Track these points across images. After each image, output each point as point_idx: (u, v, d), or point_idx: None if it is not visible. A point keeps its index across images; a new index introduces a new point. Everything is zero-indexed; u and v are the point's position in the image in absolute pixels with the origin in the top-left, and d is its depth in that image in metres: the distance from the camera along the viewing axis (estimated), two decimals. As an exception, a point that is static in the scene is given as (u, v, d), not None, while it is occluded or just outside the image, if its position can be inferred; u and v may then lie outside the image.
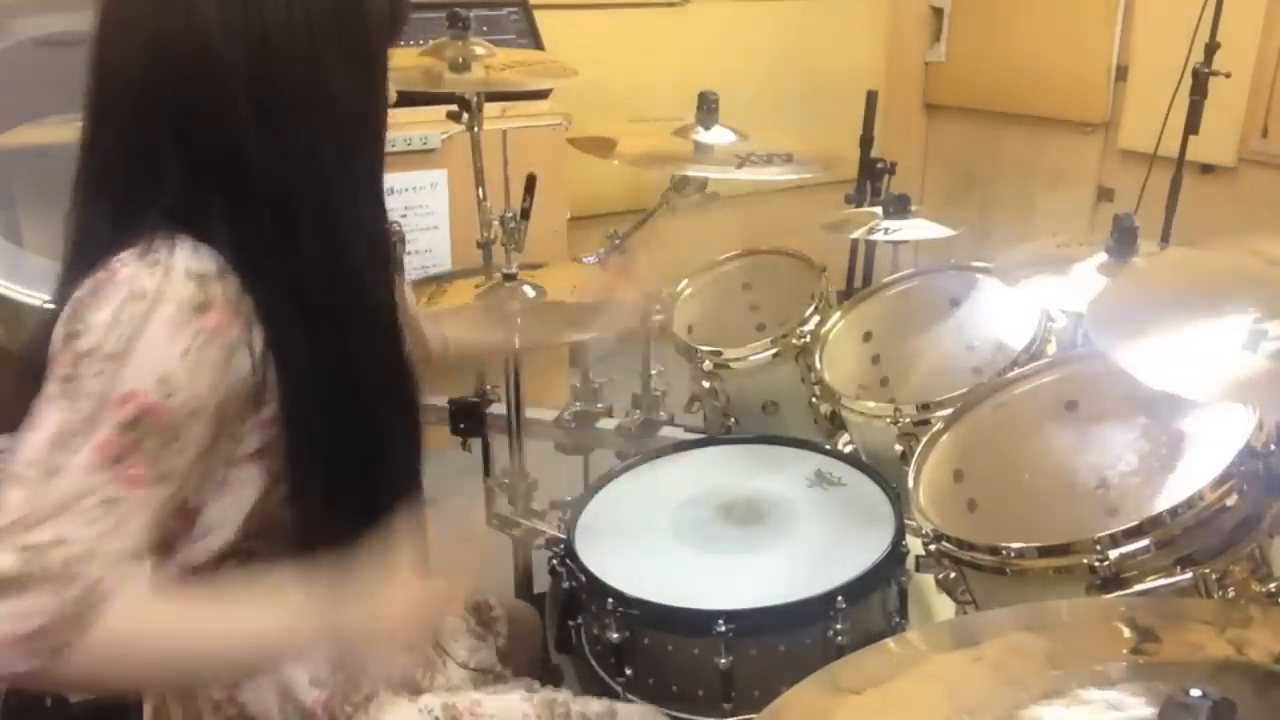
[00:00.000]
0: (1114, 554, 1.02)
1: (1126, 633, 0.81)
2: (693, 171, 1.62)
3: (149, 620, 0.82)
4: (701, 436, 1.73)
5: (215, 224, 0.85)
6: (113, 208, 0.86)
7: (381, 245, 1.00)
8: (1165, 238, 2.56)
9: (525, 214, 1.67)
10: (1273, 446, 1.04)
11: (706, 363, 1.79)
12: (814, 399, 1.72)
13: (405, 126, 2.63)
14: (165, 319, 0.81)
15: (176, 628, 0.84)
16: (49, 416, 0.79)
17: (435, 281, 2.13)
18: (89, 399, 0.79)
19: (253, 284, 0.86)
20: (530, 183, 1.70)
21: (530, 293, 1.69)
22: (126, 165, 0.87)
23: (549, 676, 1.63)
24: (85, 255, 0.85)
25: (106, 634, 0.77)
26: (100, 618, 0.77)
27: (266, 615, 0.88)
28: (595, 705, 1.17)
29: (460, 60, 1.72)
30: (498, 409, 1.89)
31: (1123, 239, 1.42)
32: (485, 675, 1.21)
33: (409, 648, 1.04)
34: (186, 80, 0.84)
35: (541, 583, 1.70)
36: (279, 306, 0.87)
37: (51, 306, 0.87)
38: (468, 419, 1.91)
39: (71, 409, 0.79)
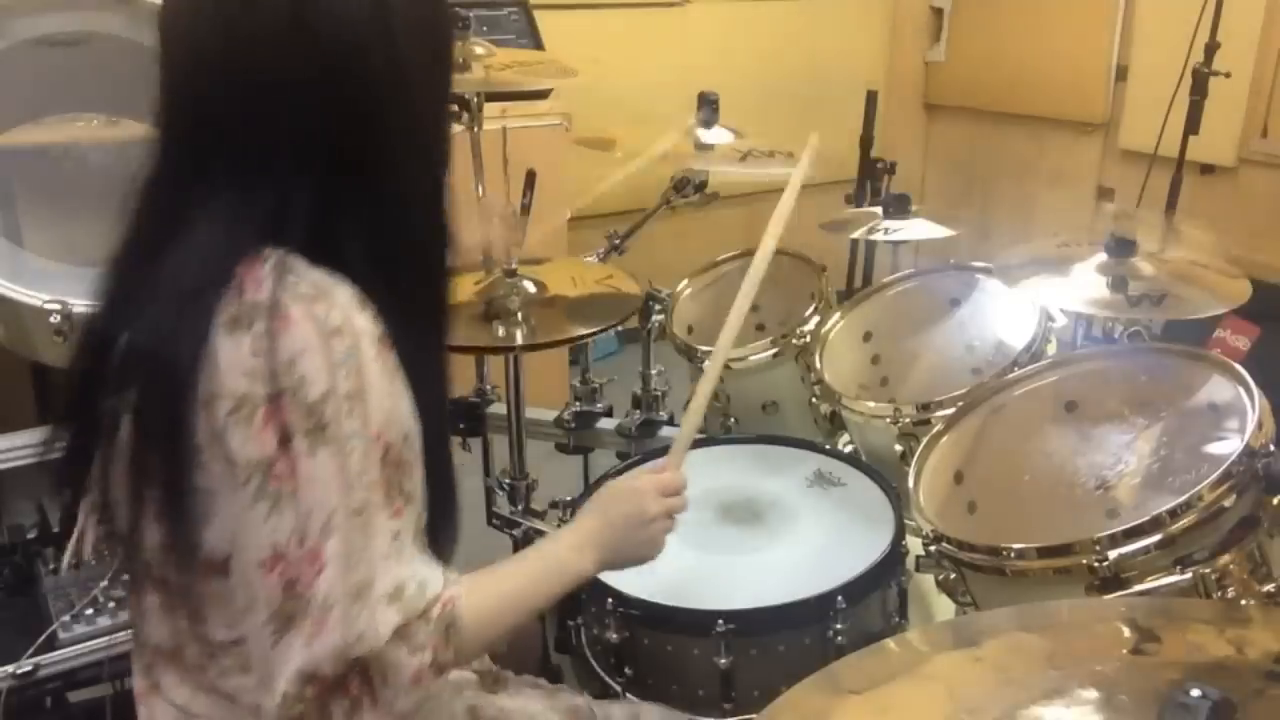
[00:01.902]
0: (1113, 554, 1.02)
1: (1126, 633, 0.81)
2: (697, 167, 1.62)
3: (484, 604, 0.91)
4: (701, 436, 1.73)
5: (347, 247, 0.85)
6: (219, 216, 0.84)
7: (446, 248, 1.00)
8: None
9: (525, 210, 1.67)
10: (1272, 447, 1.05)
11: (706, 363, 1.79)
12: (814, 399, 1.72)
13: (405, 126, 2.63)
14: (373, 355, 0.82)
15: (503, 595, 0.95)
16: (323, 468, 0.80)
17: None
18: (356, 439, 0.81)
19: (381, 310, 0.86)
20: (530, 178, 1.70)
21: (531, 288, 1.69)
22: (234, 177, 0.85)
23: (547, 677, 1.63)
24: (180, 261, 0.83)
25: (468, 635, 0.88)
26: (461, 625, 0.87)
27: (550, 553, 1.01)
28: (617, 711, 1.17)
29: (460, 60, 1.72)
30: (498, 409, 1.90)
31: (1123, 239, 1.42)
32: (485, 677, 1.21)
33: (667, 520, 1.07)
34: (319, 93, 0.84)
35: (541, 583, 1.70)
36: (404, 330, 0.88)
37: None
38: (468, 419, 1.91)
39: (341, 453, 0.80)
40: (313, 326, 0.80)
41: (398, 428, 0.85)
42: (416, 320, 0.91)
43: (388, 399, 0.84)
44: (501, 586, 0.96)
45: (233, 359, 0.79)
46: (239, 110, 0.84)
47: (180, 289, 0.82)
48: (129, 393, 0.85)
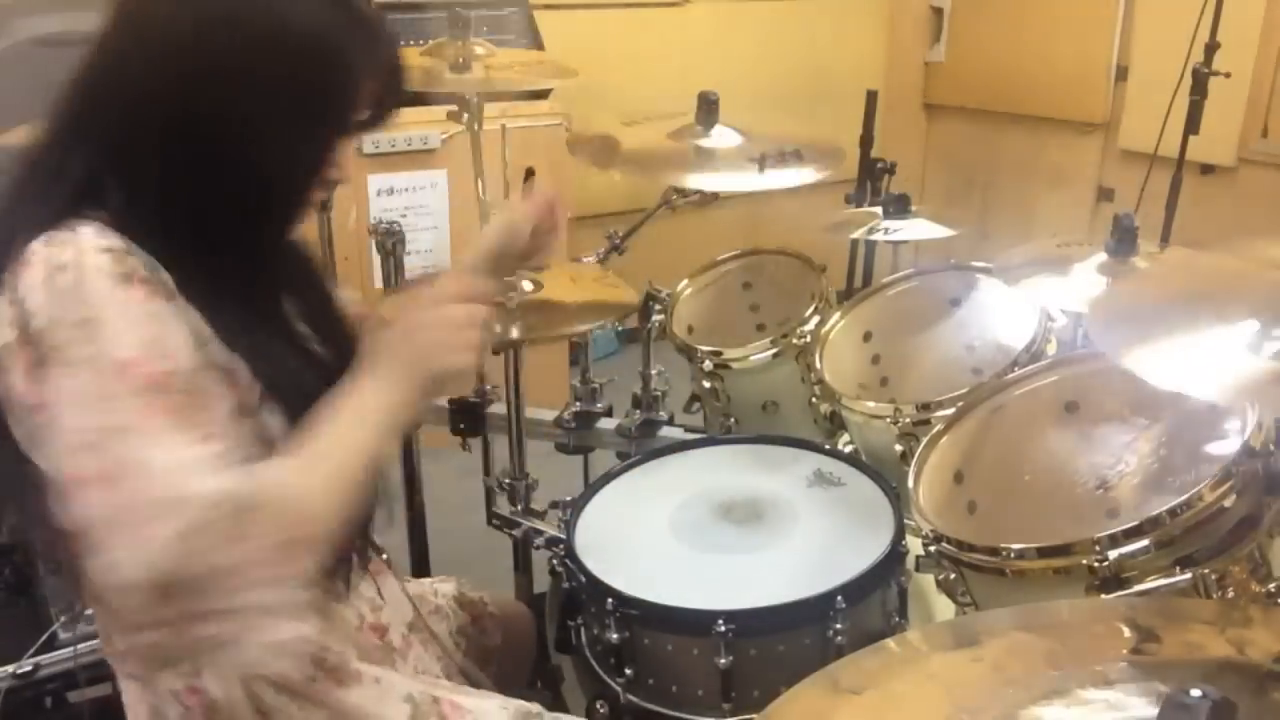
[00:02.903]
0: (1113, 554, 1.02)
1: (1126, 633, 0.81)
2: (702, 177, 1.62)
3: (296, 481, 0.85)
4: (701, 436, 1.73)
5: (116, 207, 0.88)
6: (28, 208, 0.89)
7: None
8: (1165, 238, 2.56)
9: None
10: (1272, 447, 1.04)
11: (706, 363, 1.79)
12: (814, 399, 1.72)
13: (405, 126, 2.63)
14: (108, 287, 0.83)
15: (313, 454, 0.87)
16: (60, 389, 0.80)
17: (434, 276, 2.12)
18: (87, 364, 0.80)
19: (166, 262, 0.88)
20: (529, 175, 1.70)
21: (529, 288, 1.69)
22: (44, 169, 0.90)
23: (547, 677, 1.63)
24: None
25: (284, 512, 0.81)
26: (261, 498, 0.80)
27: (354, 405, 0.91)
28: None
29: (460, 60, 1.71)
30: (498, 409, 1.89)
31: (1123, 239, 1.42)
32: (463, 680, 1.21)
33: (471, 348, 0.97)
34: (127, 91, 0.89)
35: (541, 583, 1.70)
36: (199, 288, 0.90)
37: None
38: (468, 419, 1.91)
39: (75, 374, 0.80)
40: (42, 265, 0.83)
41: (167, 360, 0.84)
42: (232, 280, 0.93)
43: (142, 329, 0.84)
44: (306, 448, 0.88)
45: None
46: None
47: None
48: None
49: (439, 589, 1.36)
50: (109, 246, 0.85)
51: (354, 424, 0.91)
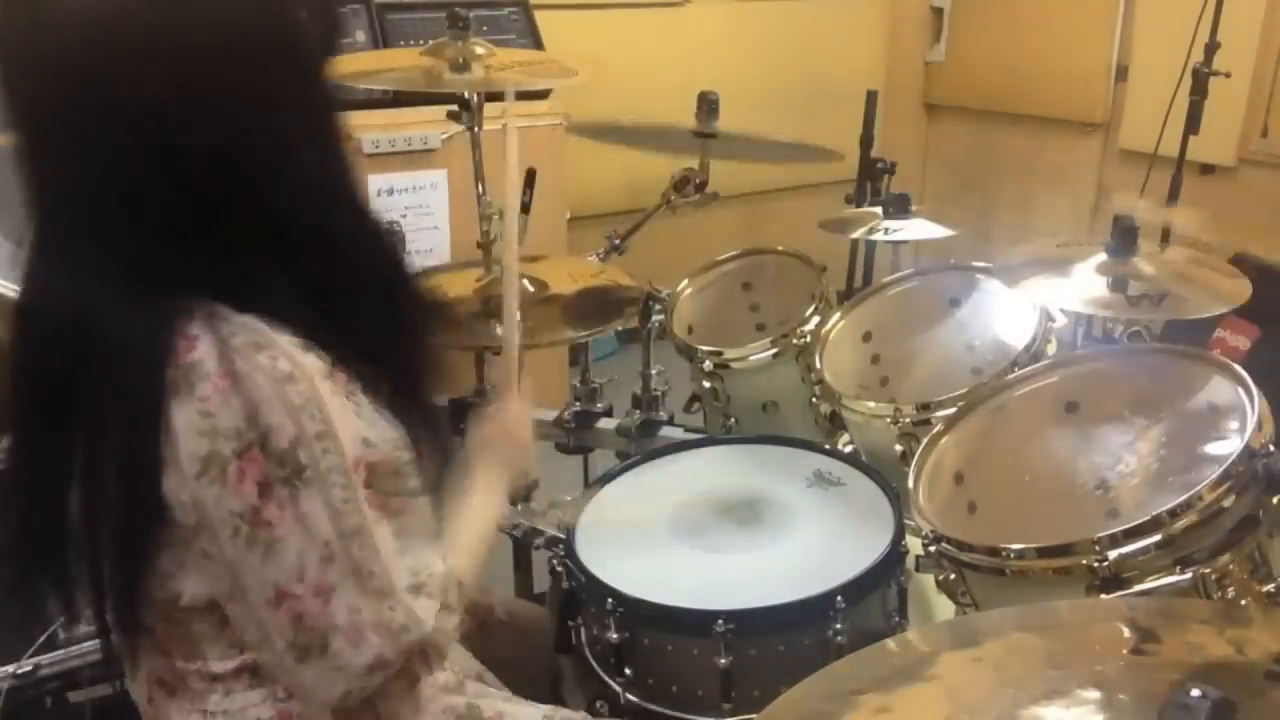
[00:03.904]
0: (1113, 554, 1.02)
1: (1126, 633, 0.81)
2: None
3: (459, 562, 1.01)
4: (701, 436, 1.73)
5: (267, 292, 0.85)
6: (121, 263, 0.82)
7: (385, 245, 0.99)
8: (1165, 238, 2.56)
9: (525, 208, 1.67)
10: (1272, 447, 1.05)
11: (706, 363, 1.79)
12: (814, 399, 1.72)
13: (405, 126, 2.63)
14: (329, 391, 0.84)
15: (472, 553, 1.06)
16: (309, 508, 0.83)
17: (434, 274, 2.12)
18: (336, 474, 0.83)
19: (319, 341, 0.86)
20: (530, 176, 1.70)
21: (530, 287, 1.69)
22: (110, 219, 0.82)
23: (551, 679, 1.63)
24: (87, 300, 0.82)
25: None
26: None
27: (478, 502, 1.12)
28: None
29: (460, 60, 1.71)
30: (498, 409, 1.89)
31: (1123, 239, 1.42)
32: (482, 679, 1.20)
33: (525, 451, 1.23)
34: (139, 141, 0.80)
35: (541, 583, 1.70)
36: (361, 348, 0.90)
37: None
38: (468, 419, 1.90)
39: (324, 491, 0.83)
40: (263, 377, 0.80)
41: (373, 448, 0.88)
42: (368, 333, 0.91)
43: (353, 426, 0.86)
44: (470, 547, 1.07)
45: (185, 423, 0.79)
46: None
47: (121, 337, 0.80)
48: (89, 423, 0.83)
49: (492, 603, 1.38)
50: (303, 343, 0.84)
51: (485, 522, 1.11)
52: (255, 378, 0.79)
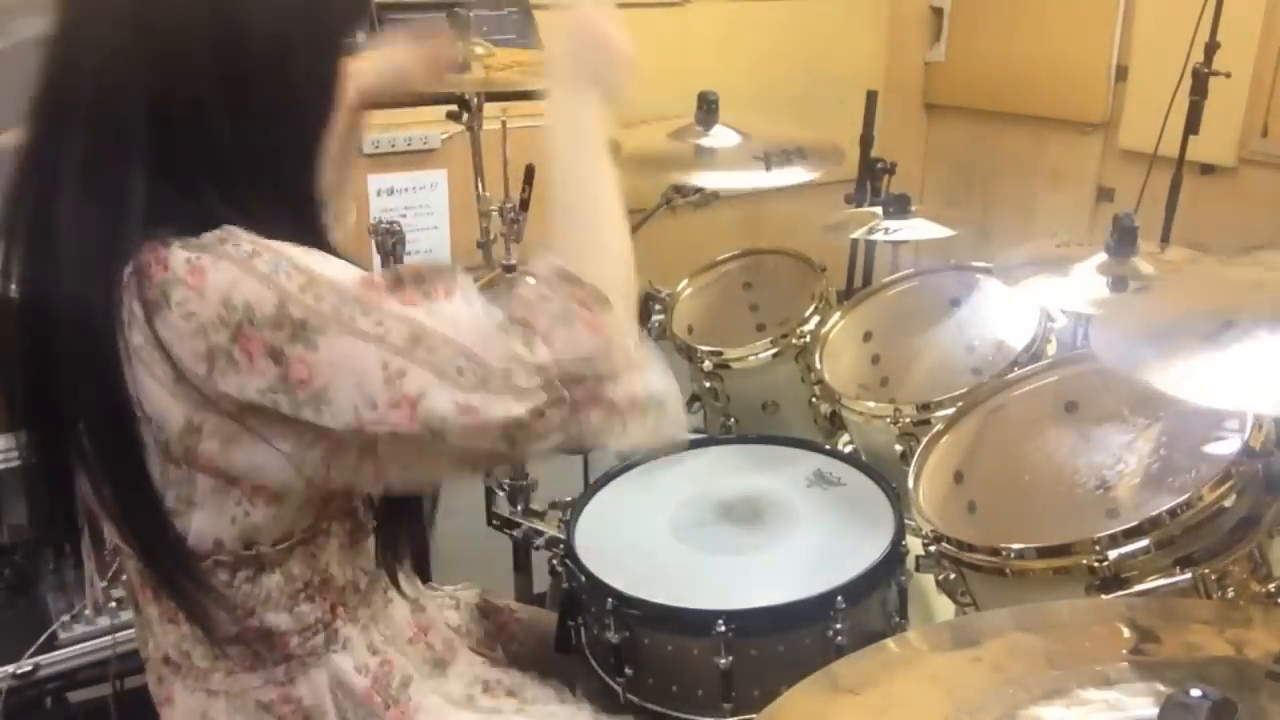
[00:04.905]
0: (1113, 554, 1.02)
1: (1126, 633, 0.81)
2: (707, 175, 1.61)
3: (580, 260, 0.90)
4: (701, 436, 1.73)
5: (216, 206, 0.86)
6: (102, 201, 0.84)
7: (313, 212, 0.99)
8: (1165, 238, 2.56)
9: (525, 205, 1.67)
10: (1272, 447, 1.05)
11: (706, 363, 1.79)
12: (814, 399, 1.72)
13: (405, 126, 2.63)
14: (301, 251, 0.83)
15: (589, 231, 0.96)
16: (334, 350, 0.80)
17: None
18: (346, 306, 0.81)
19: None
20: (529, 173, 1.70)
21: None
22: (99, 157, 0.85)
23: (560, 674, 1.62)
24: (77, 247, 0.84)
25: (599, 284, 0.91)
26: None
27: (572, 143, 0.99)
28: None
29: (460, 60, 1.71)
30: (498, 409, 1.89)
31: (1123, 239, 1.42)
32: (494, 686, 1.20)
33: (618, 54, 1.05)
34: (159, 68, 0.84)
35: (541, 583, 1.70)
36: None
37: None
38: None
39: (343, 328, 0.81)
40: (228, 262, 0.81)
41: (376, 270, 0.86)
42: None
43: (340, 263, 0.85)
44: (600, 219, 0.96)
45: (172, 333, 0.81)
46: (97, 94, 0.84)
47: (78, 290, 0.82)
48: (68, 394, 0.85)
49: (460, 597, 1.34)
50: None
51: (589, 150, 0.97)
52: (220, 265, 0.81)
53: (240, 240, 0.82)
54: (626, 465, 1.53)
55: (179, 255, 0.82)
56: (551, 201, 0.94)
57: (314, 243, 0.87)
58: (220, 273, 0.80)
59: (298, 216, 0.90)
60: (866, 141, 3.15)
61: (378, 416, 0.81)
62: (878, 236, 1.84)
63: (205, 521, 0.88)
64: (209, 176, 0.86)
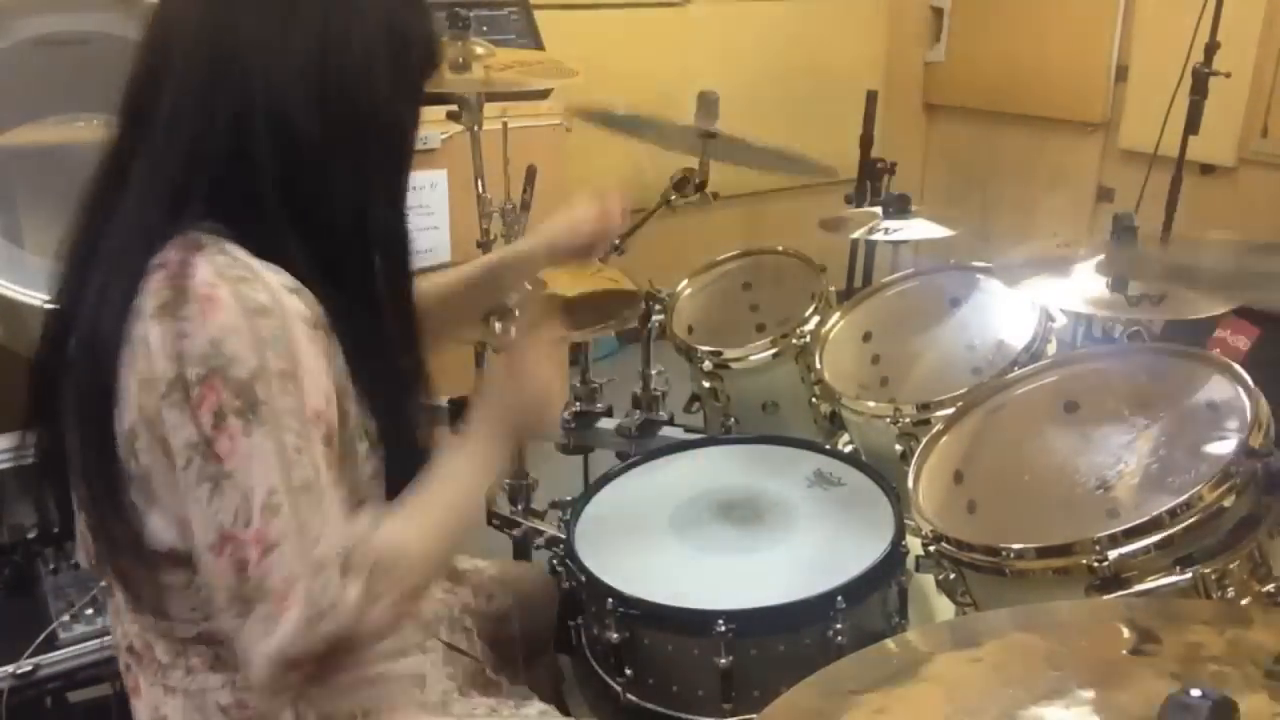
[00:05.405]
0: (1113, 554, 1.02)
1: (1126, 633, 0.81)
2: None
3: (403, 538, 0.90)
4: (701, 436, 1.73)
5: (283, 240, 0.88)
6: (156, 213, 0.86)
7: (406, 250, 1.04)
8: (1165, 238, 2.56)
9: (525, 206, 1.68)
10: (1272, 447, 1.05)
11: (706, 363, 1.79)
12: (814, 399, 1.72)
13: (405, 126, 2.62)
14: (304, 335, 0.84)
15: (432, 524, 0.93)
16: (259, 446, 0.81)
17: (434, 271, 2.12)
18: (291, 417, 0.82)
19: (324, 295, 0.89)
20: (530, 175, 1.70)
21: (528, 285, 1.69)
22: (171, 173, 0.87)
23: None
24: (115, 258, 0.86)
25: (405, 568, 0.88)
26: (390, 564, 0.87)
27: (463, 465, 0.99)
28: None
29: (460, 60, 1.72)
30: (498, 409, 1.89)
31: (1123, 239, 1.42)
32: (477, 680, 1.20)
33: (562, 397, 1.07)
34: (247, 96, 0.86)
35: (541, 583, 1.70)
36: (354, 317, 0.91)
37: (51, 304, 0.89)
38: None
39: (277, 431, 0.81)
40: (239, 307, 0.81)
41: (331, 406, 0.87)
42: (362, 311, 0.93)
43: (324, 379, 0.86)
44: (433, 523, 0.94)
45: (162, 343, 0.81)
46: (178, 94, 0.87)
47: (105, 275, 0.85)
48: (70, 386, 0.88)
49: (478, 564, 1.36)
50: (294, 287, 0.85)
51: (470, 479, 0.99)
52: (230, 306, 0.81)
53: (261, 288, 0.83)
54: (627, 465, 1.53)
55: (204, 269, 0.82)
56: (425, 486, 0.95)
57: (355, 289, 0.90)
58: (227, 314, 0.81)
59: (346, 259, 0.92)
60: (866, 141, 3.15)
61: (242, 537, 0.81)
62: (878, 236, 1.84)
63: (159, 523, 0.88)
64: (268, 205, 0.88)
